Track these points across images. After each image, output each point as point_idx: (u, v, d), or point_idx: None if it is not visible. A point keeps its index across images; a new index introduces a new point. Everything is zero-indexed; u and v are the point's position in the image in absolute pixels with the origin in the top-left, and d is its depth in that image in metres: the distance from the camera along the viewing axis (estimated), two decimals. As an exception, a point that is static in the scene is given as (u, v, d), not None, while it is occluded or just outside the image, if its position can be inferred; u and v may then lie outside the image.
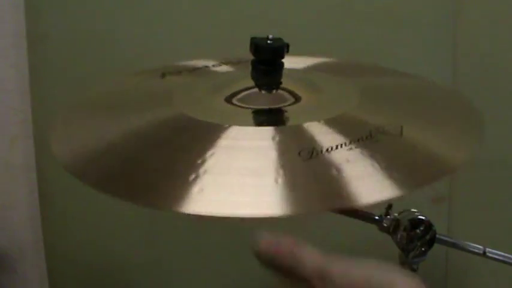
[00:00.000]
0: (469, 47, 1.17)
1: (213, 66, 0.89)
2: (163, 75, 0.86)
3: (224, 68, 0.89)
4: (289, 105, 0.76)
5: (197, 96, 0.79)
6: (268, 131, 0.70)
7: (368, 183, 0.65)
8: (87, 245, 1.29)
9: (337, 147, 0.68)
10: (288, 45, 0.75)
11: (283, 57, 0.76)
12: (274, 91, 0.77)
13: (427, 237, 0.79)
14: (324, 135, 0.70)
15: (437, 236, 0.80)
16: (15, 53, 1.20)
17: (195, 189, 0.63)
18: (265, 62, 0.76)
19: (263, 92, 0.77)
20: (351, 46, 1.14)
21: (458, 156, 0.71)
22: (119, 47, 1.16)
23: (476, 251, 0.82)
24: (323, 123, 0.71)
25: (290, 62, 0.86)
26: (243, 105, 0.75)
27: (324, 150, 0.67)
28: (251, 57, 0.78)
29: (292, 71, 0.84)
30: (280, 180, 0.64)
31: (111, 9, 1.17)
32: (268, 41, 0.75)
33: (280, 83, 0.77)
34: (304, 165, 0.66)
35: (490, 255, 0.82)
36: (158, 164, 0.67)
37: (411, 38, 1.16)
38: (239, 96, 0.77)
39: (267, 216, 0.61)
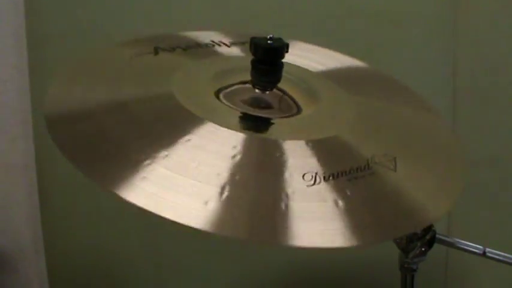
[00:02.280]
0: (469, 46, 1.17)
1: (207, 45, 0.87)
2: (156, 50, 0.83)
3: (220, 49, 0.87)
4: (280, 113, 0.74)
5: (193, 82, 0.77)
6: (241, 138, 0.68)
7: (320, 225, 0.61)
8: (87, 245, 1.29)
9: (312, 178, 0.65)
10: (287, 45, 0.75)
11: (283, 57, 0.75)
12: (268, 91, 0.76)
13: (427, 237, 0.79)
14: (301, 159, 0.67)
15: (437, 236, 0.80)
16: (16, 54, 1.19)
17: (139, 177, 0.62)
18: (265, 61, 0.75)
19: (257, 90, 0.76)
20: (351, 46, 1.14)
21: (437, 209, 0.68)
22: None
23: (476, 251, 0.82)
24: (306, 144, 0.68)
25: (310, 60, 0.85)
26: (230, 103, 0.73)
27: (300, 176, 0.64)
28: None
29: (303, 72, 0.83)
30: (224, 196, 0.61)
31: (111, 10, 1.17)
32: (268, 41, 0.74)
33: (276, 84, 0.76)
34: (260, 188, 0.63)
35: (490, 255, 0.82)
36: (123, 142, 0.66)
37: (411, 38, 1.16)
38: (231, 90, 0.76)
39: (195, 227, 0.59)
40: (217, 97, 0.74)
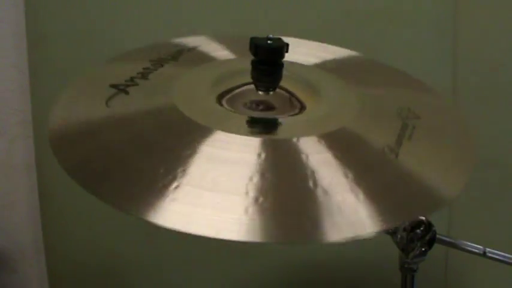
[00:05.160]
0: (469, 47, 1.17)
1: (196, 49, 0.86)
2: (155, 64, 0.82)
3: (211, 53, 0.86)
4: (284, 112, 0.73)
5: (193, 91, 0.76)
6: (256, 143, 0.66)
7: (347, 217, 0.61)
8: (87, 245, 1.29)
9: (390, 151, 0.66)
10: (287, 45, 0.75)
11: (283, 57, 0.75)
12: (271, 92, 0.76)
13: (427, 237, 0.79)
14: (317, 155, 0.66)
15: (437, 236, 0.79)
16: (16, 53, 1.20)
17: (167, 199, 0.60)
18: (265, 62, 0.75)
19: (260, 92, 0.76)
20: (351, 46, 1.14)
21: (449, 190, 0.68)
22: (119, 47, 1.16)
23: (476, 251, 0.82)
24: (318, 139, 0.68)
25: (302, 54, 0.85)
26: (236, 108, 0.73)
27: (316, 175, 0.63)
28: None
29: (298, 67, 0.83)
30: (259, 202, 0.60)
31: (110, 10, 1.17)
32: (268, 41, 0.74)
33: (278, 84, 0.76)
34: (287, 189, 0.62)
35: (490, 255, 0.82)
36: (136, 163, 0.64)
37: (411, 38, 1.16)
38: (233, 94, 0.75)
39: (232, 240, 0.57)
40: (221, 103, 0.73)
